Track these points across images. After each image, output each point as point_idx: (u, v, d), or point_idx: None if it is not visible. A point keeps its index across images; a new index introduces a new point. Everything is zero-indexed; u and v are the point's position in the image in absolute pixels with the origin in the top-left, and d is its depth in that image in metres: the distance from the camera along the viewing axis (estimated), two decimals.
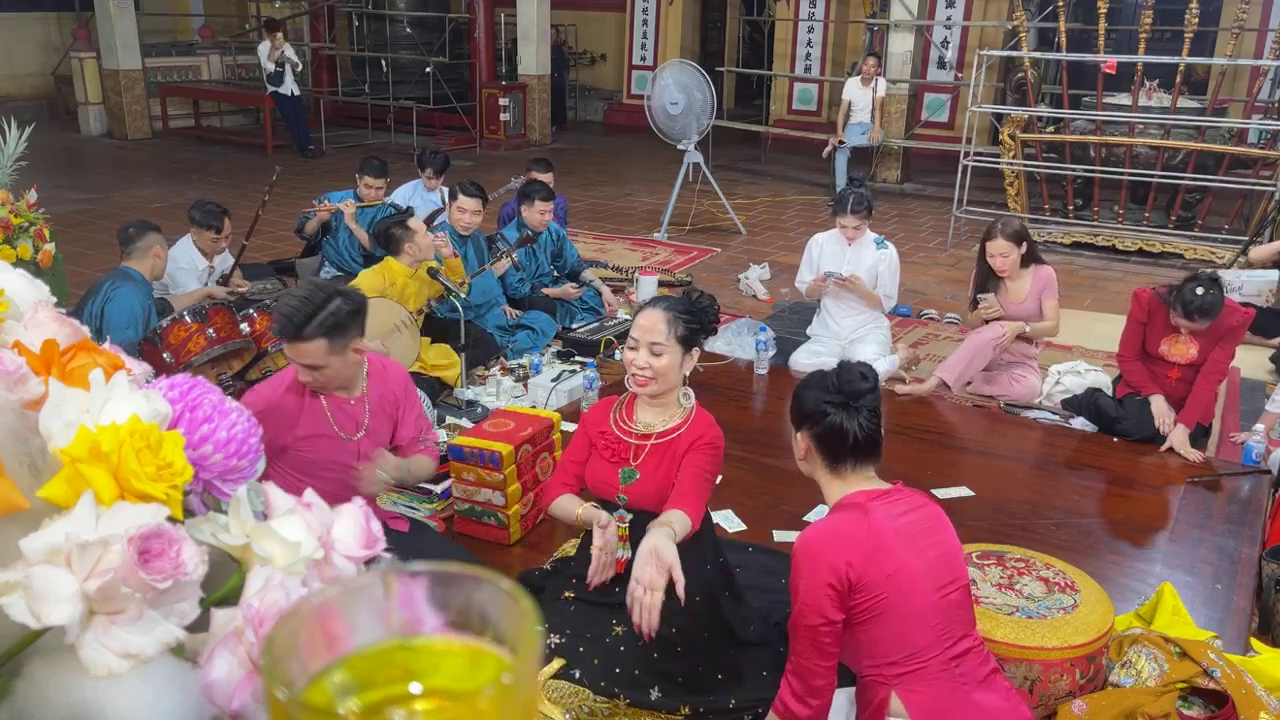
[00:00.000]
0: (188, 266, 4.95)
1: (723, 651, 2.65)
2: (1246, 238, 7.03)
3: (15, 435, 0.68)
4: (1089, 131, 8.17)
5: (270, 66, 11.16)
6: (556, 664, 2.55)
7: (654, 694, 2.51)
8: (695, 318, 2.58)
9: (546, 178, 6.28)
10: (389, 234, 4.69)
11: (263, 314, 4.19)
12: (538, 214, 5.71)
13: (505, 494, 3.40)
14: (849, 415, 2.21)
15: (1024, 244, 4.71)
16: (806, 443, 2.26)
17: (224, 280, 5.14)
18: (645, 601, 2.19)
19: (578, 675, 2.52)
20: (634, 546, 2.59)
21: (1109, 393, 4.59)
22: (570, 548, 3.10)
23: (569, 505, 2.62)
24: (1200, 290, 4.05)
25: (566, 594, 2.69)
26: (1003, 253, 4.68)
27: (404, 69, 13.24)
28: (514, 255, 5.60)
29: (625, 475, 2.57)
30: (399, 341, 4.66)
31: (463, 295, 4.76)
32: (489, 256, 5.55)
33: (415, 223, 4.73)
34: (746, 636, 2.70)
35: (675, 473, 2.54)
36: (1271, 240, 6.58)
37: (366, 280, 4.68)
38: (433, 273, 4.70)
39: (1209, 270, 4.40)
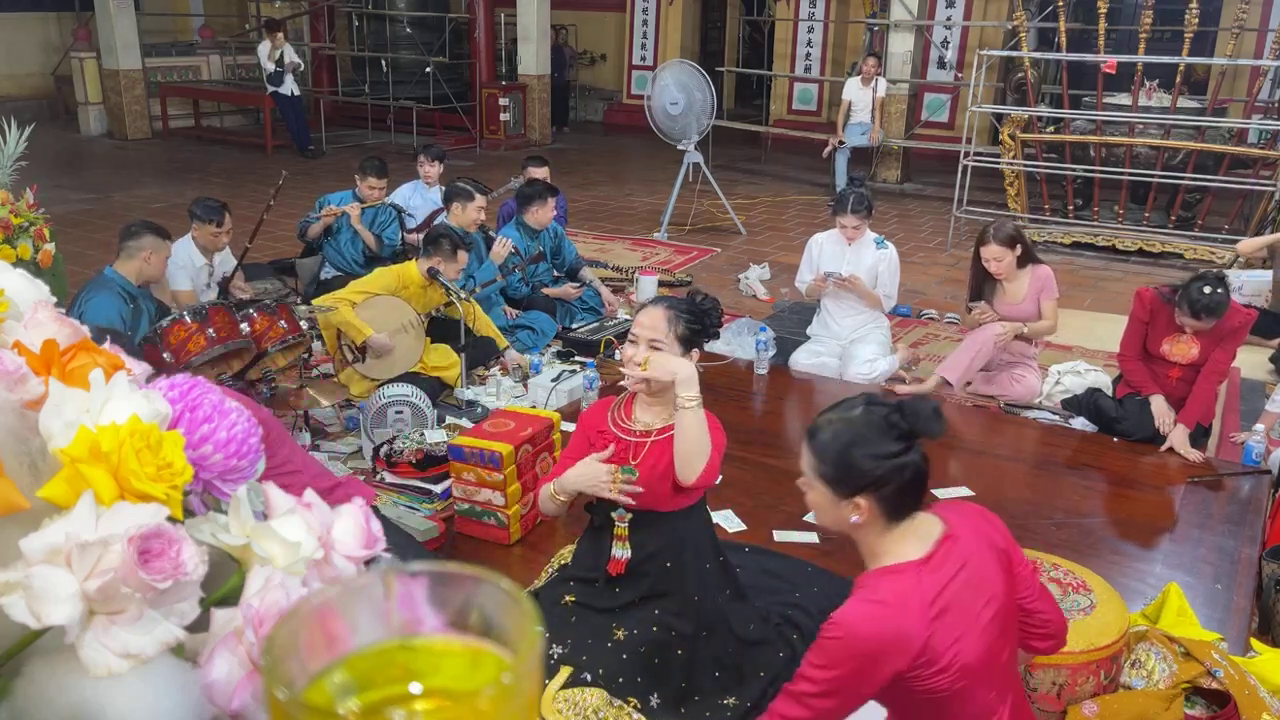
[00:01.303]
0: (184, 264, 4.95)
1: (722, 651, 2.65)
2: (1246, 238, 7.03)
3: (15, 435, 0.68)
4: (1089, 131, 8.17)
5: (270, 66, 11.16)
6: (564, 674, 2.55)
7: (654, 700, 2.51)
8: (697, 319, 2.58)
9: (541, 172, 6.29)
10: (440, 239, 4.72)
11: (263, 314, 4.19)
12: (550, 212, 5.73)
13: (505, 494, 3.40)
14: (916, 456, 1.86)
15: (1018, 246, 4.71)
16: (869, 508, 1.84)
17: (224, 284, 5.14)
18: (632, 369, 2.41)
19: (589, 679, 2.52)
20: (634, 546, 2.59)
21: (1109, 393, 4.59)
22: (567, 553, 3.10)
23: (569, 475, 2.60)
24: (1207, 289, 4.05)
25: (567, 599, 2.68)
26: (996, 257, 4.68)
27: (404, 69, 13.24)
28: (524, 269, 5.64)
29: (625, 474, 2.56)
30: (404, 341, 4.68)
31: (463, 296, 4.76)
32: (487, 256, 5.55)
33: (464, 257, 4.83)
34: (747, 636, 2.70)
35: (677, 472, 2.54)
36: None
37: (381, 278, 4.72)
38: (433, 273, 4.70)
39: (1215, 269, 4.40)
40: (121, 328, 3.97)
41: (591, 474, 2.51)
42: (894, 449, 1.82)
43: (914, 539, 1.86)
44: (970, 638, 1.79)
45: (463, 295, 4.76)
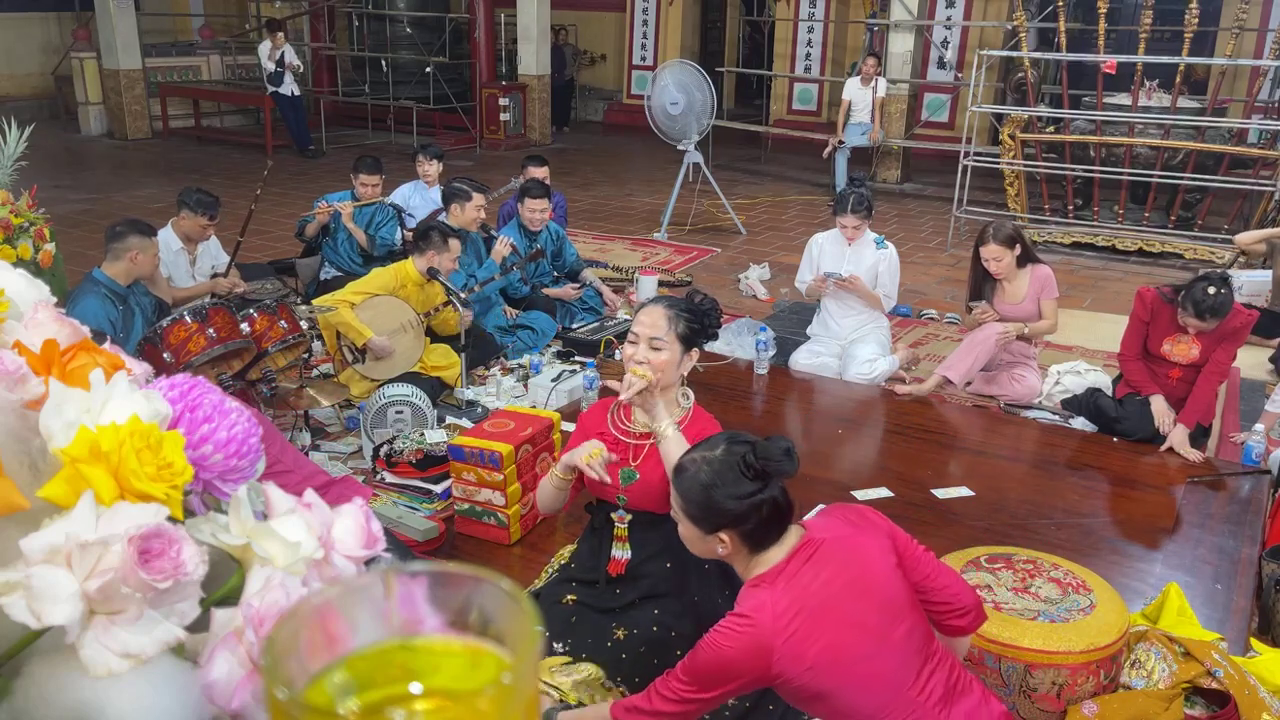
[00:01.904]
0: (160, 246, 4.96)
1: None
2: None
3: (15, 435, 0.68)
4: (1089, 131, 8.17)
5: (270, 66, 11.16)
6: (559, 660, 2.56)
7: (638, 680, 2.51)
8: (697, 318, 2.58)
9: (541, 171, 6.28)
10: (429, 233, 4.71)
11: (263, 314, 4.19)
12: (529, 211, 5.71)
13: (505, 494, 3.40)
14: (774, 491, 1.96)
15: (1018, 246, 4.71)
16: (733, 541, 1.97)
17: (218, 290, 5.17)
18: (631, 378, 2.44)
19: (585, 657, 2.53)
20: (634, 547, 2.59)
21: (1109, 393, 4.59)
22: (566, 553, 3.10)
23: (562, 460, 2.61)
24: (1212, 290, 4.05)
25: (567, 598, 2.68)
26: (996, 257, 4.68)
27: (404, 69, 13.25)
28: (523, 267, 5.63)
29: (625, 476, 2.56)
30: (403, 341, 4.68)
31: (463, 296, 4.76)
32: (486, 255, 5.55)
33: (456, 245, 4.81)
34: None
35: None
36: None
37: (379, 278, 4.72)
38: (433, 273, 4.71)
39: (1219, 270, 4.40)
40: (110, 330, 3.97)
41: (575, 455, 2.53)
42: (750, 489, 1.93)
43: (777, 552, 1.98)
44: (844, 631, 1.89)
45: (462, 295, 4.76)
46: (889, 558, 1.99)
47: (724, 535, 1.96)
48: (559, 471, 2.58)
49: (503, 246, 5.51)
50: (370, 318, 4.57)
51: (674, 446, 2.41)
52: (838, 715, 1.93)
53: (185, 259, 5.14)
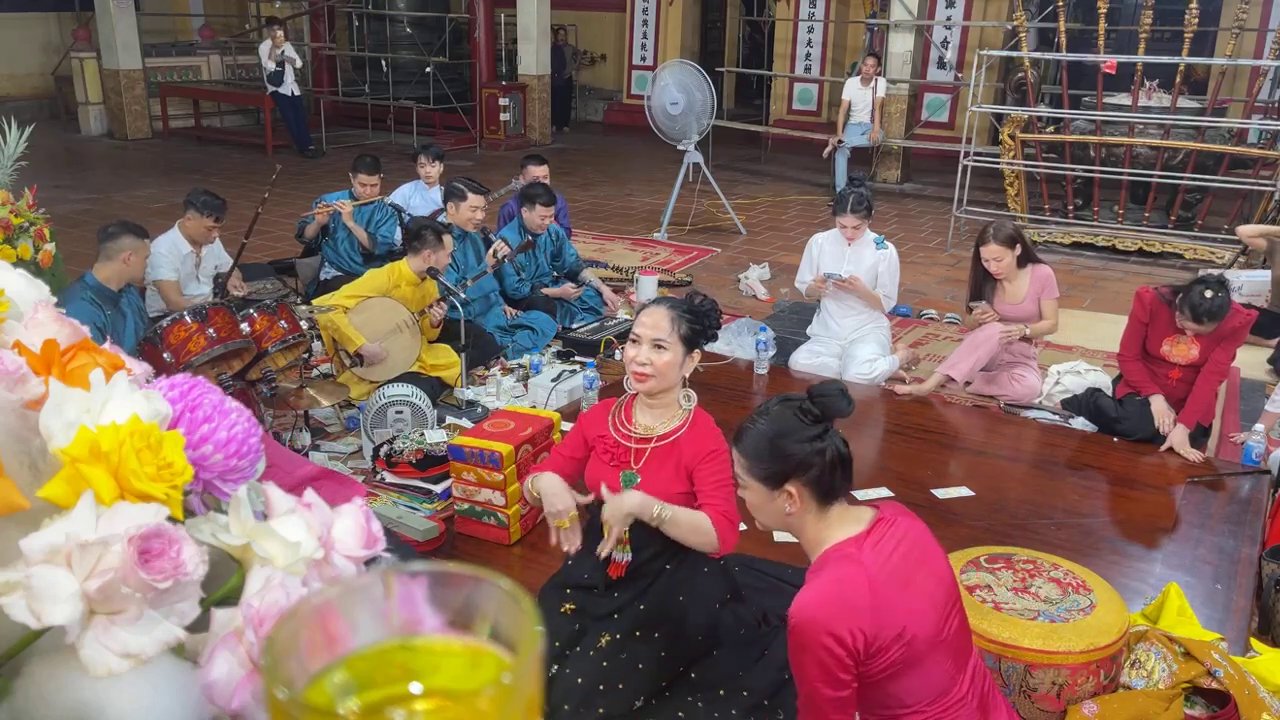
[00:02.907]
0: (167, 253, 4.96)
1: (720, 653, 2.66)
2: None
3: (15, 435, 0.68)
4: (1089, 131, 8.17)
5: (271, 66, 11.16)
6: None
7: (638, 703, 2.51)
8: (698, 320, 2.58)
9: (541, 170, 6.28)
10: (422, 233, 4.72)
11: (263, 314, 4.19)
12: (538, 218, 5.72)
13: (505, 494, 3.40)
14: (834, 440, 1.99)
15: (1018, 246, 4.71)
16: (800, 493, 1.97)
17: (221, 285, 5.15)
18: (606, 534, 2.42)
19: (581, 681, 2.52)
20: (635, 549, 2.59)
21: (1109, 393, 4.59)
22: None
23: (547, 482, 2.58)
24: (1209, 293, 4.04)
25: (566, 607, 2.66)
26: (996, 257, 4.68)
27: (404, 69, 13.25)
28: (514, 259, 5.62)
29: (626, 479, 2.56)
30: (399, 341, 4.68)
31: (462, 296, 4.76)
32: (484, 255, 5.56)
33: (449, 240, 4.85)
34: (744, 638, 2.70)
35: (680, 479, 2.52)
36: None
37: (373, 279, 4.72)
38: (432, 273, 4.71)
39: (1216, 273, 4.40)
40: (97, 335, 3.96)
41: (552, 501, 2.51)
42: (812, 432, 1.98)
43: (851, 522, 1.98)
44: (923, 607, 1.90)
45: (462, 296, 4.76)
46: (940, 548, 2.03)
47: (791, 488, 1.97)
48: (532, 491, 2.59)
49: (495, 256, 5.51)
50: (365, 320, 4.57)
51: (674, 530, 2.43)
52: (914, 690, 1.91)
53: (193, 262, 5.14)
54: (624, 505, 2.41)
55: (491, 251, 5.54)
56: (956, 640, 1.97)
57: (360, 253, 6.02)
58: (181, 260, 5.05)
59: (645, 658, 2.55)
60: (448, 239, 4.82)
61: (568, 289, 5.95)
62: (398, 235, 6.10)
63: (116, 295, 4.24)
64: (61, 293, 4.16)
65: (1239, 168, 8.00)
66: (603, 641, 2.56)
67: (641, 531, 2.58)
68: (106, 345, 0.78)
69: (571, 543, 2.52)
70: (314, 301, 4.96)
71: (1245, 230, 6.03)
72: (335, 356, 4.68)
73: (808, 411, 2.00)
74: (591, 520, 2.70)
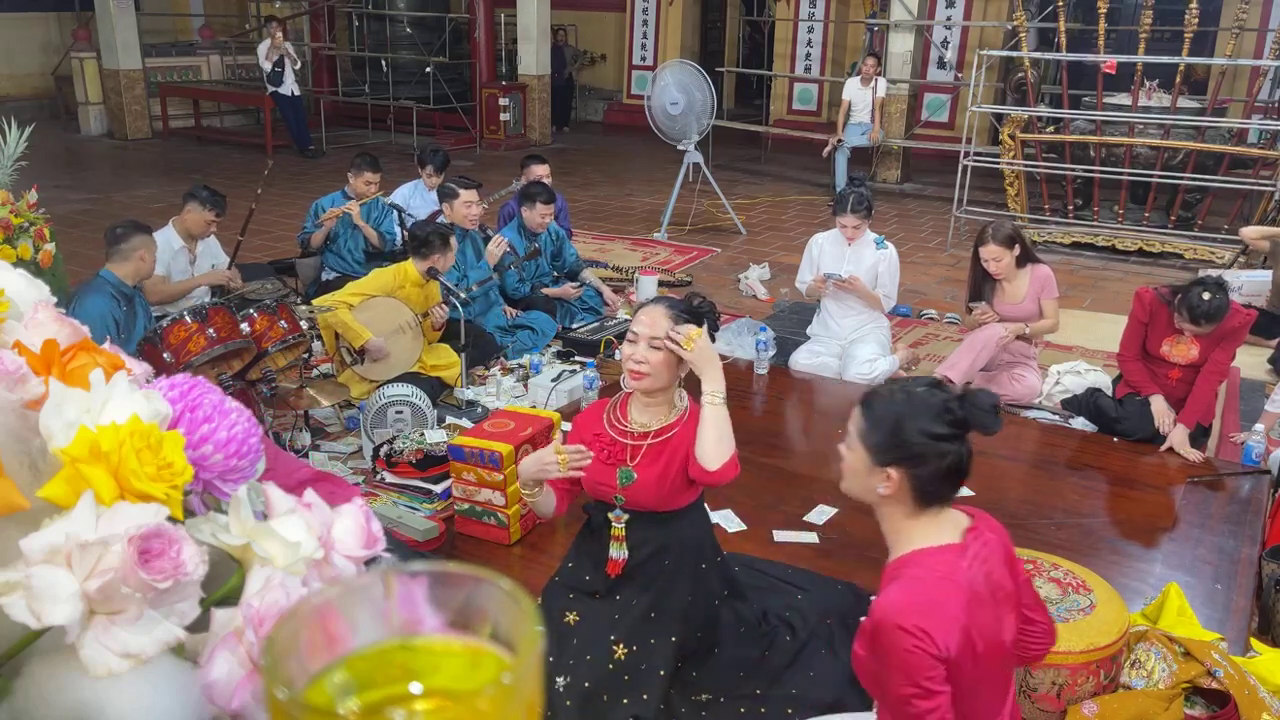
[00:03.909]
0: (160, 249, 4.98)
1: (719, 651, 2.66)
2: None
3: (15, 435, 0.68)
4: (1089, 131, 8.17)
5: (267, 66, 11.15)
6: None
7: (645, 696, 2.51)
8: (696, 319, 2.58)
9: (542, 170, 6.29)
10: (429, 239, 4.74)
11: (263, 314, 4.19)
12: (539, 216, 5.72)
13: (505, 494, 3.40)
14: (961, 449, 1.85)
15: (1017, 246, 4.71)
16: (900, 483, 1.84)
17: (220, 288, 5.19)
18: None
19: (588, 686, 2.52)
20: (631, 546, 2.59)
21: (1109, 393, 4.59)
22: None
23: (521, 470, 2.57)
24: (1207, 295, 4.04)
25: (570, 617, 2.65)
26: (995, 257, 4.68)
27: (404, 69, 13.24)
28: (520, 265, 5.65)
29: (623, 476, 2.56)
30: (402, 341, 4.68)
31: (463, 296, 4.77)
32: (484, 252, 5.56)
33: (454, 242, 4.89)
34: (744, 636, 2.70)
35: (676, 473, 2.53)
36: None
37: (378, 278, 4.73)
38: (433, 273, 4.71)
39: (1215, 274, 4.39)
40: (114, 329, 3.98)
41: (537, 459, 2.48)
42: (942, 431, 1.83)
43: (948, 526, 1.87)
44: (992, 631, 1.80)
45: (462, 295, 4.76)
46: (1015, 574, 1.91)
47: (893, 472, 1.84)
48: (525, 491, 2.57)
49: (497, 247, 5.52)
50: (369, 319, 4.57)
51: (716, 415, 2.45)
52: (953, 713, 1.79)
53: (186, 258, 5.16)
54: (707, 359, 2.46)
55: (495, 242, 5.55)
56: (1006, 669, 1.90)
57: (362, 252, 6.02)
58: (173, 255, 5.07)
59: (659, 661, 2.54)
60: (453, 241, 4.86)
61: (568, 289, 5.95)
62: (398, 232, 6.12)
63: (131, 293, 4.27)
64: (81, 286, 4.18)
65: (1239, 168, 8.00)
66: (619, 653, 2.55)
67: (638, 529, 2.59)
68: (107, 345, 0.78)
69: (584, 458, 2.47)
70: (314, 301, 4.97)
71: (1248, 231, 6.03)
72: (337, 353, 4.68)
73: (951, 411, 1.85)
74: (591, 522, 2.70)
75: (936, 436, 1.83)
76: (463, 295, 4.76)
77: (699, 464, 2.45)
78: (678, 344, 2.44)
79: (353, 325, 4.51)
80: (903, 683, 1.72)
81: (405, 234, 6.20)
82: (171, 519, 0.64)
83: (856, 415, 1.93)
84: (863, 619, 1.84)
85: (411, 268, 4.76)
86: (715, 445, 2.45)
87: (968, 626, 1.73)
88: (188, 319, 3.88)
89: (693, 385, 2.60)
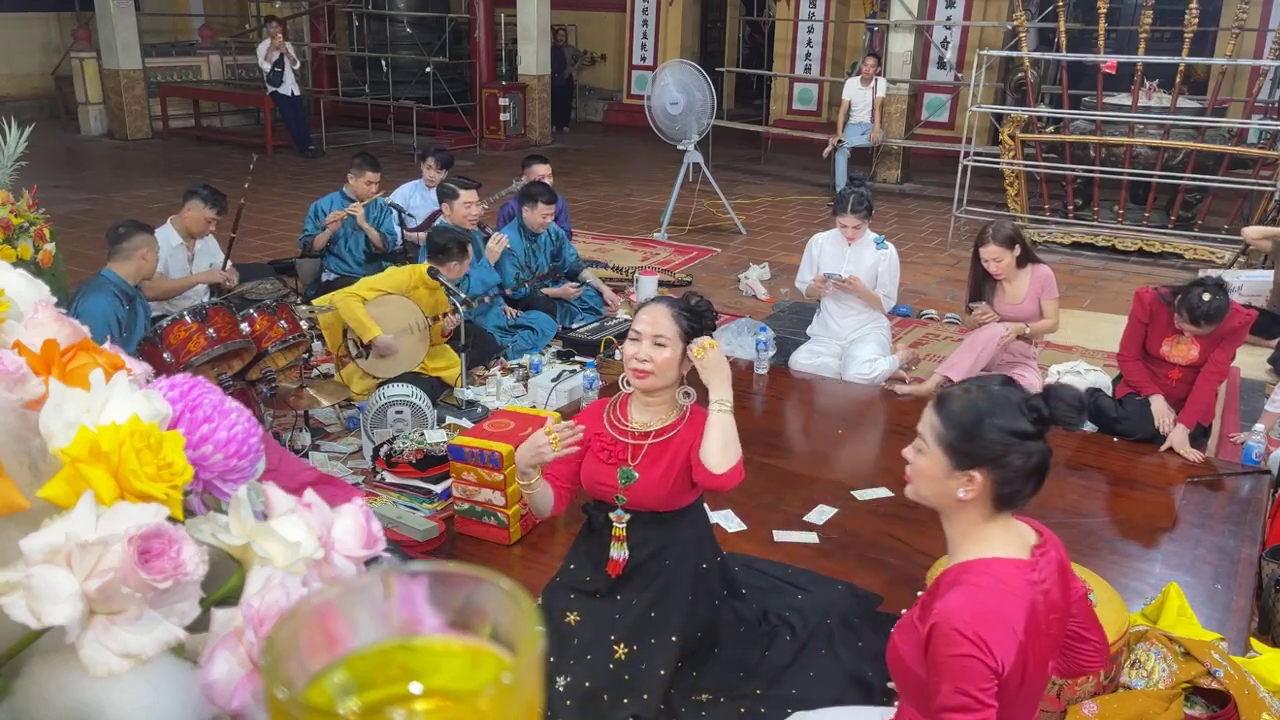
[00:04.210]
0: (159, 242, 4.99)
1: (719, 651, 2.66)
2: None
3: (15, 435, 0.68)
4: (1089, 131, 8.17)
5: (266, 66, 11.15)
6: None
7: (646, 696, 2.52)
8: (695, 318, 2.58)
9: (544, 169, 6.29)
10: (447, 246, 4.81)
11: (263, 314, 4.19)
12: (539, 216, 5.72)
13: (505, 494, 3.40)
14: (1045, 446, 1.79)
15: (1017, 246, 4.71)
16: (981, 486, 1.77)
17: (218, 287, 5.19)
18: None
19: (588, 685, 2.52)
20: (632, 547, 2.59)
21: (1109, 393, 4.59)
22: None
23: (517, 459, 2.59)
24: (1207, 296, 4.04)
25: (570, 617, 2.65)
26: (995, 257, 4.68)
27: (404, 69, 13.24)
28: (534, 286, 5.70)
29: (624, 476, 2.56)
30: (408, 342, 4.70)
31: (463, 295, 4.77)
32: (484, 252, 5.56)
33: (470, 252, 4.99)
34: (743, 636, 2.70)
35: (677, 473, 2.53)
36: None
37: (394, 276, 4.75)
38: (433, 273, 4.71)
39: (1215, 275, 4.39)
40: (116, 328, 3.98)
41: (531, 444, 2.47)
42: (1025, 429, 1.76)
43: (1015, 536, 1.82)
44: (1042, 649, 1.76)
45: (463, 296, 4.76)
46: (1067, 591, 1.87)
47: (976, 474, 1.76)
48: (522, 481, 2.56)
49: (497, 245, 5.53)
50: (380, 315, 4.60)
51: (723, 422, 2.46)
52: None
53: (184, 255, 5.17)
54: (718, 370, 2.49)
55: (495, 239, 5.56)
56: (1041, 691, 1.85)
57: (363, 252, 6.02)
58: (171, 253, 5.07)
59: (659, 661, 2.54)
60: (470, 251, 4.95)
61: (567, 289, 5.95)
62: (399, 231, 6.13)
63: (133, 293, 4.27)
64: (83, 285, 4.19)
65: (1239, 168, 8.00)
66: (619, 652, 2.55)
67: (639, 529, 2.59)
68: (108, 345, 0.78)
69: (575, 434, 2.47)
70: (314, 301, 4.97)
71: (1250, 231, 6.03)
72: (340, 347, 4.68)
73: (1034, 408, 1.78)
74: (592, 522, 2.70)
75: (1022, 434, 1.76)
76: (463, 295, 4.76)
77: (704, 467, 2.45)
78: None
79: (364, 319, 4.54)
80: (951, 691, 1.67)
81: (405, 233, 6.22)
82: (171, 519, 0.64)
83: (931, 417, 1.86)
84: (904, 611, 1.81)
85: (425, 271, 4.78)
86: (721, 451, 2.45)
87: (1024, 645, 1.69)
88: (188, 319, 3.89)
89: (698, 384, 2.60)
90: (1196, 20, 7.70)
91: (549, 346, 5.51)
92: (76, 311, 3.97)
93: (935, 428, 1.84)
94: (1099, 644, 1.99)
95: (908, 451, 1.90)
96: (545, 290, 5.88)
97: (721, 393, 2.48)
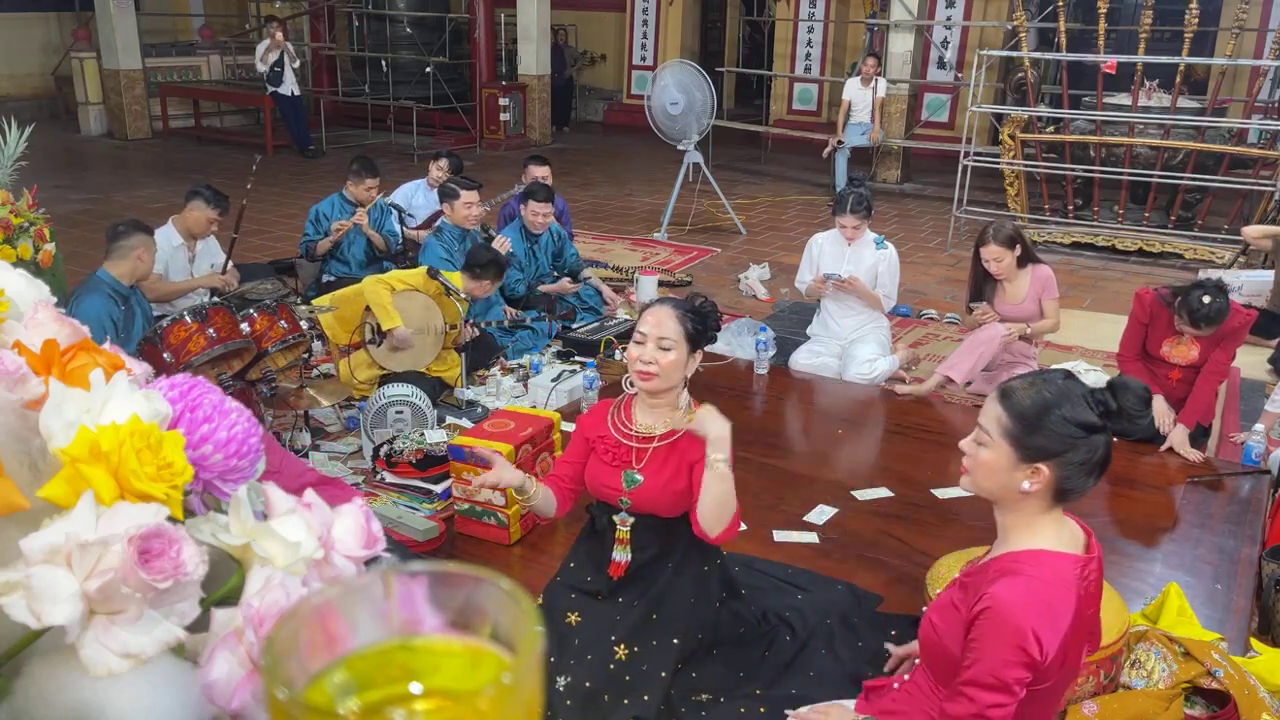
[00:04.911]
0: (160, 247, 4.98)
1: (718, 651, 2.66)
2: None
3: (15, 435, 0.68)
4: (1089, 131, 8.17)
5: (263, 67, 11.14)
6: None
7: (646, 697, 2.51)
8: (700, 320, 2.58)
9: (543, 171, 6.29)
10: (486, 265, 4.84)
11: (263, 314, 4.19)
12: (532, 214, 5.72)
13: (505, 494, 3.40)
14: (1109, 438, 1.80)
15: (1018, 247, 4.71)
16: (1047, 479, 1.79)
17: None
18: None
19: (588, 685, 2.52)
20: (635, 549, 2.59)
21: None
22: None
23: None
24: (1207, 298, 4.04)
25: (571, 617, 2.65)
26: (996, 257, 4.68)
27: (404, 69, 13.24)
28: (553, 316, 5.71)
29: (628, 479, 2.55)
30: (423, 342, 4.74)
31: (463, 295, 4.77)
32: None
33: (504, 276, 5.07)
34: (743, 637, 2.70)
35: (682, 477, 2.52)
36: None
37: (422, 274, 4.75)
38: (433, 272, 4.71)
39: (1215, 276, 4.39)
40: (112, 329, 3.98)
41: (495, 478, 2.55)
42: (1090, 420, 1.77)
43: (1067, 532, 1.83)
44: (1079, 648, 1.78)
45: (463, 296, 4.76)
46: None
47: (1043, 466, 1.78)
48: (520, 497, 2.60)
49: (499, 247, 5.53)
50: (402, 308, 4.64)
51: (721, 481, 2.39)
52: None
53: (184, 255, 5.17)
54: (720, 425, 2.41)
55: (497, 242, 5.57)
56: (1077, 673, 1.89)
57: (367, 251, 6.02)
58: (171, 253, 5.08)
59: (660, 662, 2.54)
60: (505, 275, 5.05)
61: (564, 284, 5.95)
62: (399, 230, 6.13)
63: (128, 293, 4.26)
64: (79, 286, 4.19)
65: (1239, 168, 8.01)
66: (620, 653, 2.55)
67: (642, 532, 2.58)
68: (108, 345, 0.78)
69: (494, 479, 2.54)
70: (314, 301, 4.97)
71: (1250, 231, 6.03)
72: (358, 329, 4.67)
73: (1101, 402, 1.79)
74: (595, 523, 2.70)
75: (1088, 427, 1.76)
76: (463, 295, 4.77)
77: (699, 526, 2.44)
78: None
79: (388, 306, 4.58)
80: (987, 671, 1.69)
81: (405, 231, 6.23)
82: (171, 519, 0.64)
83: (995, 409, 1.84)
84: (939, 591, 1.82)
85: (458, 279, 4.78)
86: (716, 517, 2.42)
87: (1067, 641, 1.71)
88: (188, 319, 3.89)
89: (697, 385, 2.60)
90: (1196, 20, 7.70)
91: (549, 347, 5.52)
92: (71, 313, 3.95)
93: (1001, 420, 1.82)
94: (1093, 639, 2.01)
95: (966, 444, 1.90)
96: (542, 287, 5.88)
97: (718, 451, 2.40)
